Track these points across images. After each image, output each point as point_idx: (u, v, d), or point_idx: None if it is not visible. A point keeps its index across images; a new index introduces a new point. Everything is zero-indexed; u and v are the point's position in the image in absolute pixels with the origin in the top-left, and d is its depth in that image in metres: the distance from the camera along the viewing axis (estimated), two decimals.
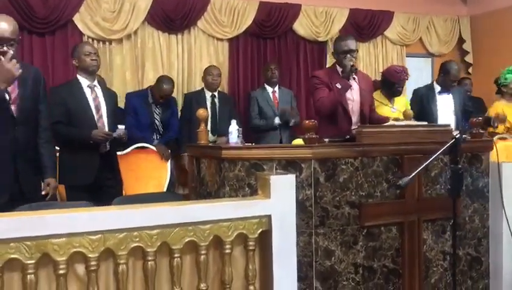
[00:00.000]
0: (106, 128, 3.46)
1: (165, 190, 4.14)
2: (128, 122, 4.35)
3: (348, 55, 3.46)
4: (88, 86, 3.48)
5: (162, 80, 4.67)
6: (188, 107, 4.79)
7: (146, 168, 4.06)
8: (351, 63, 3.42)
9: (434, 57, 6.85)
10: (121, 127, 3.47)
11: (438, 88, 4.75)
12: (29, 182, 2.93)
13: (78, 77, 3.50)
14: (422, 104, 4.68)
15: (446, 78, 4.69)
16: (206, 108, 4.72)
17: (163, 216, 2.18)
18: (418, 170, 2.15)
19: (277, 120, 5.01)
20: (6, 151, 2.81)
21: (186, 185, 4.86)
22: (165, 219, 2.18)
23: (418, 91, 4.84)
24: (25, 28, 4.67)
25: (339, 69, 3.51)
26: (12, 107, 2.82)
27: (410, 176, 2.11)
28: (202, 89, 5.02)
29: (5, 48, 2.71)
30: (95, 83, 3.53)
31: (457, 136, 2.13)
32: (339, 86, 3.42)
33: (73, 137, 3.40)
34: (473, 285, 2.95)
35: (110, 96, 3.63)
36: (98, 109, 3.46)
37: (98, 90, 3.52)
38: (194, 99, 4.86)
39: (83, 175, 3.37)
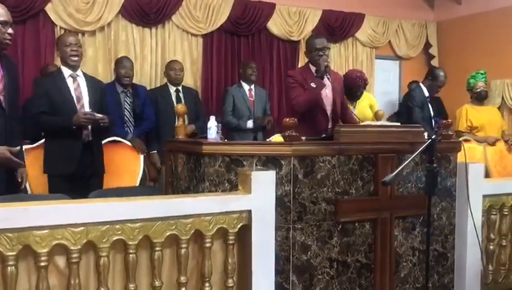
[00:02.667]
0: None
1: (137, 184, 4.12)
2: None
3: (321, 53, 3.55)
4: (70, 75, 3.44)
5: (120, 59, 4.67)
6: (154, 103, 4.77)
7: (120, 162, 4.02)
8: (325, 63, 3.50)
9: (402, 60, 7.05)
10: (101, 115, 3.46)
11: (426, 92, 4.93)
12: (12, 173, 2.95)
13: (62, 67, 3.47)
14: (423, 108, 4.83)
15: (433, 83, 4.90)
16: (172, 103, 4.71)
17: (147, 210, 2.20)
18: (400, 167, 2.26)
19: (250, 124, 5.01)
20: (1, 143, 2.78)
21: (157, 180, 4.87)
22: (148, 212, 2.20)
23: (414, 99, 4.90)
24: None
25: (313, 68, 3.59)
26: (1, 98, 2.79)
27: (394, 173, 2.20)
28: (166, 84, 4.98)
29: (10, 30, 2.79)
30: (78, 72, 3.49)
31: (433, 137, 2.24)
32: (313, 85, 3.48)
33: (56, 125, 3.35)
34: (439, 279, 3.08)
35: (95, 86, 3.57)
36: (79, 99, 3.42)
37: (81, 80, 3.48)
38: (158, 95, 4.84)
39: (65, 164, 3.34)
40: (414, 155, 2.30)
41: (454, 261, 3.14)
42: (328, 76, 3.55)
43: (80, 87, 3.45)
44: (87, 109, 3.40)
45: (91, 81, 3.58)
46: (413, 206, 2.90)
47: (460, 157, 3.09)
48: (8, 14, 2.84)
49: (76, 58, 3.44)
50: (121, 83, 4.58)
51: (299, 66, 6.04)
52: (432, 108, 4.94)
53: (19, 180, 3.03)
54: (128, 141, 4.19)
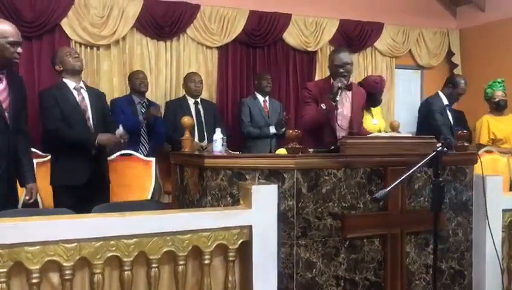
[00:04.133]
0: (92, 130, 3.43)
1: (149, 197, 4.09)
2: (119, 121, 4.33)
3: (341, 71, 3.29)
4: (74, 87, 3.45)
5: (132, 72, 4.81)
6: (172, 115, 4.75)
7: (131, 175, 4.01)
8: (339, 85, 3.20)
9: (423, 69, 6.89)
10: (120, 129, 3.47)
11: (445, 100, 4.78)
12: (16, 188, 2.98)
13: (64, 80, 3.47)
14: (441, 117, 4.70)
15: (454, 91, 4.78)
16: (190, 115, 4.69)
17: (141, 225, 2.14)
18: (395, 183, 2.13)
19: (272, 129, 5.02)
20: (4, 160, 2.81)
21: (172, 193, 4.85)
22: (142, 228, 2.14)
23: (432, 105, 4.79)
24: None
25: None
26: (6, 115, 2.81)
27: (387, 189, 2.08)
28: (184, 96, 4.98)
29: (19, 50, 2.84)
30: (81, 84, 3.51)
31: (438, 149, 2.12)
32: (323, 106, 3.23)
33: (77, 140, 3.38)
34: None
35: (97, 96, 3.59)
36: (85, 111, 3.44)
37: (84, 92, 3.49)
38: (177, 107, 4.83)
39: (74, 176, 3.35)
40: (413, 169, 2.18)
41: (472, 280, 2.98)
42: (348, 91, 3.35)
43: (84, 100, 3.47)
44: (91, 121, 3.42)
45: (93, 92, 3.59)
46: (425, 222, 2.74)
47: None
48: (18, 34, 2.89)
49: (80, 64, 3.49)
50: (138, 92, 4.62)
51: (316, 77, 5.97)
52: (452, 117, 4.76)
53: (27, 197, 3.03)
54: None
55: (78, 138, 3.39)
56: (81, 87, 3.49)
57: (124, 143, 3.64)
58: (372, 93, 4.36)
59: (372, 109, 4.66)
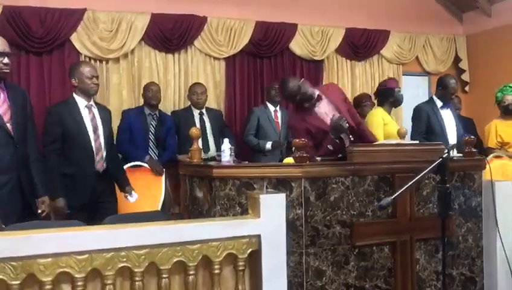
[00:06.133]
0: (103, 149, 3.49)
1: (159, 208, 4.12)
2: (121, 138, 4.38)
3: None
4: (86, 106, 3.48)
5: (147, 84, 4.85)
6: (177, 126, 4.79)
7: (141, 187, 4.03)
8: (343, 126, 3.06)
9: (431, 75, 6.87)
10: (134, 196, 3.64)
11: (439, 103, 4.75)
12: (33, 200, 3.00)
13: (75, 96, 3.50)
14: (429, 120, 4.66)
15: (445, 92, 4.72)
16: (195, 126, 4.71)
17: (151, 236, 2.16)
18: (401, 191, 2.13)
19: (268, 145, 5.00)
20: (13, 171, 2.84)
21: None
22: (152, 238, 2.16)
23: (421, 108, 4.79)
24: (22, 47, 4.70)
25: None
26: (9, 127, 2.84)
27: (392, 197, 2.09)
28: (189, 106, 5.01)
29: (5, 60, 2.82)
30: (92, 102, 3.54)
31: (444, 156, 2.13)
32: (331, 147, 3.10)
33: (56, 176, 3.39)
34: None
35: (106, 115, 3.65)
36: (95, 129, 3.47)
37: (95, 111, 3.54)
38: (182, 118, 4.87)
39: (78, 195, 3.39)
40: (419, 176, 2.18)
41: (483, 286, 2.96)
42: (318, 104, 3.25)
43: (95, 118, 3.50)
44: (102, 140, 3.47)
45: (103, 110, 3.64)
46: (435, 228, 2.74)
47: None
48: (5, 44, 2.89)
49: (97, 89, 3.56)
50: (149, 104, 4.67)
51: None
52: (455, 118, 4.74)
53: (39, 210, 3.06)
54: (146, 162, 4.21)
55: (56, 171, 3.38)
56: (92, 105, 3.53)
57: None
58: (392, 89, 4.38)
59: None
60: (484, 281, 2.95)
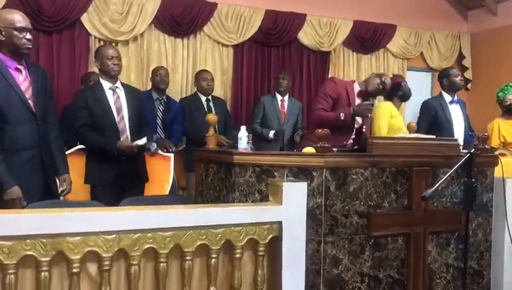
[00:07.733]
0: (127, 130, 3.51)
1: (167, 193, 4.14)
2: None
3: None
4: (110, 88, 3.50)
5: (156, 68, 4.87)
6: (187, 112, 4.81)
7: (152, 171, 4.04)
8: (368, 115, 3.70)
9: (434, 71, 6.93)
10: (143, 139, 3.52)
11: (447, 97, 4.76)
12: (53, 178, 3.02)
13: (101, 79, 3.54)
14: (436, 115, 4.67)
15: (449, 80, 4.69)
16: (204, 112, 4.72)
17: (178, 218, 2.19)
18: (440, 182, 2.19)
19: (271, 134, 5.03)
20: (36, 148, 2.84)
21: (186, 189, 4.89)
22: (179, 221, 2.19)
23: (429, 103, 4.82)
24: (33, 26, 4.62)
25: (359, 87, 3.75)
26: (31, 104, 2.84)
27: (433, 188, 2.14)
28: (196, 93, 5.01)
29: (28, 36, 2.82)
30: (118, 84, 3.55)
31: (472, 151, 2.18)
32: (342, 116, 3.55)
33: (99, 146, 3.48)
34: None
35: (133, 96, 3.63)
36: (119, 111, 3.48)
37: (121, 92, 3.54)
38: (192, 104, 4.87)
39: (105, 175, 3.44)
40: (453, 170, 2.24)
41: (490, 280, 3.04)
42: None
43: (119, 99, 3.51)
44: (126, 121, 3.49)
45: (130, 91, 3.64)
46: (447, 222, 2.82)
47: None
48: (26, 20, 2.88)
49: (118, 69, 3.53)
50: (157, 89, 4.67)
51: (329, 76, 6.01)
52: (463, 111, 4.79)
53: (61, 188, 3.08)
54: (154, 151, 4.17)
55: (100, 144, 3.47)
56: (117, 87, 3.53)
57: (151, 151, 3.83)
58: (400, 83, 4.43)
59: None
60: (491, 274, 3.02)
